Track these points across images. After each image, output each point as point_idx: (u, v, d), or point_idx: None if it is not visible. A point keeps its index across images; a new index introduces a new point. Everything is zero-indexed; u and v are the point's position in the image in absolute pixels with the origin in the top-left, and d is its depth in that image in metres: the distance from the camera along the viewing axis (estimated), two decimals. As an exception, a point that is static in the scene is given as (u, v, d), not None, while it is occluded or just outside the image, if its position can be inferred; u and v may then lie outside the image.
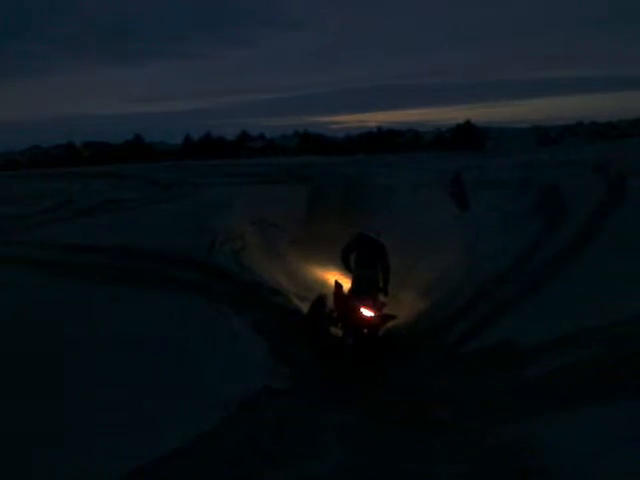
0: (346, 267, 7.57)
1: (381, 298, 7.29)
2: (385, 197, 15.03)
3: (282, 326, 7.26)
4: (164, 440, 4.02)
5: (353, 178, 17.61)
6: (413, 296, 9.49)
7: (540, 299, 6.38)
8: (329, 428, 4.44)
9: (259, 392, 5.11)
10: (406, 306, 9.13)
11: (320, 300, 7.75)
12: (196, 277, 7.93)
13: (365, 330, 7.02)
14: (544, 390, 4.47)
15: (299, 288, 10.33)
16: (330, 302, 7.71)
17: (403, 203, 14.24)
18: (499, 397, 4.71)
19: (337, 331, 7.33)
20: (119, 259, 8.29)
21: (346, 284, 7.57)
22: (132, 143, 43.65)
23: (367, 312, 6.86)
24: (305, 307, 8.14)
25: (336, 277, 7.76)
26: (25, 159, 44.65)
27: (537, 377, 4.73)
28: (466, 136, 40.21)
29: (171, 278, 7.63)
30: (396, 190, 15.22)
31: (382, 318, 7.07)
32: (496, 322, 6.37)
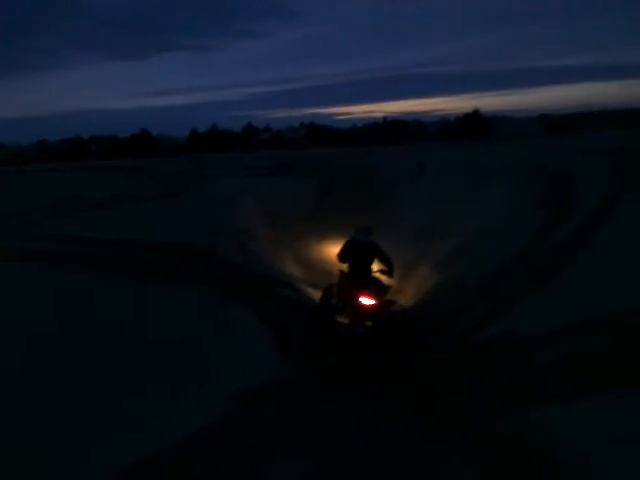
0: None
1: (386, 281, 7.36)
2: (390, 188, 15.06)
3: (290, 317, 7.27)
4: (173, 429, 4.06)
5: (359, 169, 17.62)
6: (416, 288, 9.48)
7: (547, 289, 6.32)
8: (337, 419, 4.46)
9: (266, 384, 5.14)
10: (410, 298, 9.16)
11: (328, 290, 7.84)
12: (203, 269, 7.96)
13: (370, 322, 7.06)
14: (552, 379, 4.45)
15: (310, 277, 10.41)
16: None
17: (408, 193, 14.27)
18: (507, 386, 4.71)
19: (344, 319, 7.36)
20: (127, 252, 8.33)
21: None
22: (139, 137, 43.71)
23: (367, 300, 6.93)
24: (317, 296, 8.21)
25: (342, 267, 7.76)
26: (34, 153, 44.82)
27: (544, 367, 4.70)
28: (475, 125, 39.91)
29: (179, 270, 7.66)
30: (401, 181, 15.23)
31: (383, 305, 7.06)
32: (503, 312, 6.33)
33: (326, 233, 13.05)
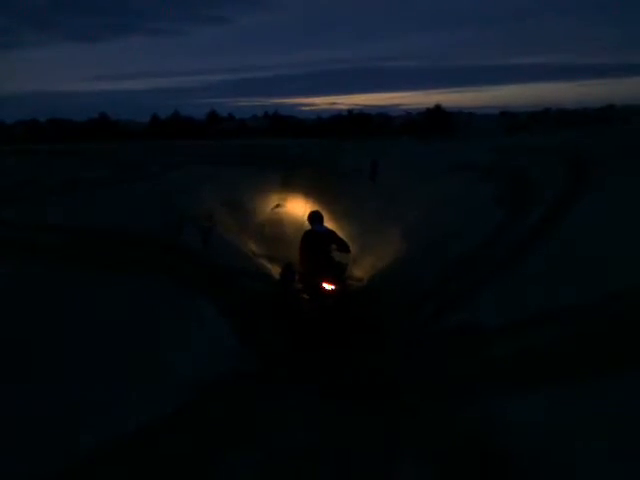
0: None
1: (344, 258, 8.12)
2: (353, 180, 15.15)
3: (250, 308, 7.23)
4: (128, 421, 3.98)
5: (323, 161, 17.62)
6: (379, 279, 9.55)
7: (506, 281, 6.45)
8: (295, 411, 4.46)
9: (225, 375, 5.09)
10: (369, 293, 9.26)
11: (288, 266, 8.46)
12: (163, 259, 7.81)
13: (330, 300, 7.64)
14: (510, 371, 4.55)
15: (273, 262, 10.45)
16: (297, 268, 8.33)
17: (370, 186, 14.39)
18: (465, 379, 4.79)
19: (305, 296, 7.95)
20: (83, 240, 8.11)
21: None
22: (97, 121, 42.44)
23: (328, 286, 7.56)
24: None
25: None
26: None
27: (503, 358, 4.80)
28: (436, 121, 40.32)
29: (137, 260, 7.50)
30: (364, 174, 15.31)
31: (342, 289, 7.81)
32: (462, 303, 6.45)
33: (290, 220, 13.12)
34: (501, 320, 5.45)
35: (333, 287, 7.58)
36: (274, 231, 12.90)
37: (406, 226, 11.04)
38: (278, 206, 14.49)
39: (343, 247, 7.91)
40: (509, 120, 44.22)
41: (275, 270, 9.44)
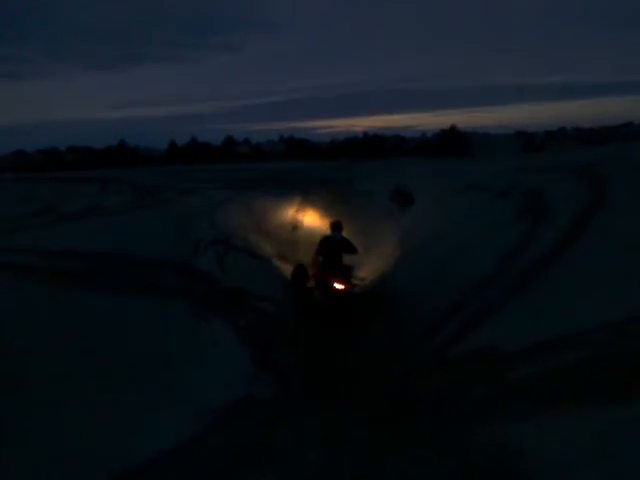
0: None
1: (351, 260, 9.35)
2: (367, 202, 15.22)
3: (266, 332, 7.22)
4: (144, 447, 3.96)
5: (338, 184, 17.74)
6: (390, 304, 9.49)
7: (523, 305, 6.37)
8: (311, 437, 4.40)
9: (241, 400, 5.07)
10: (384, 317, 9.19)
11: (300, 266, 9.78)
12: (179, 283, 7.85)
13: (340, 297, 8.73)
14: (527, 394, 4.47)
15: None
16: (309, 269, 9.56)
17: (385, 208, 14.42)
18: (482, 401, 4.71)
19: (316, 293, 9.18)
20: (101, 265, 8.18)
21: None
22: (116, 148, 43.27)
23: (339, 285, 8.78)
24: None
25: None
26: (8, 164, 43.99)
27: (520, 381, 4.72)
28: (451, 141, 40.39)
29: (154, 284, 7.55)
30: (378, 196, 15.37)
31: (351, 288, 9.03)
32: (479, 327, 6.37)
33: (304, 246, 13.13)
34: (518, 344, 5.36)
35: (343, 287, 8.78)
36: (291, 243, 13.21)
37: (418, 244, 11.02)
38: (295, 228, 14.58)
39: (352, 250, 9.37)
40: (525, 139, 44.10)
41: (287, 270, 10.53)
